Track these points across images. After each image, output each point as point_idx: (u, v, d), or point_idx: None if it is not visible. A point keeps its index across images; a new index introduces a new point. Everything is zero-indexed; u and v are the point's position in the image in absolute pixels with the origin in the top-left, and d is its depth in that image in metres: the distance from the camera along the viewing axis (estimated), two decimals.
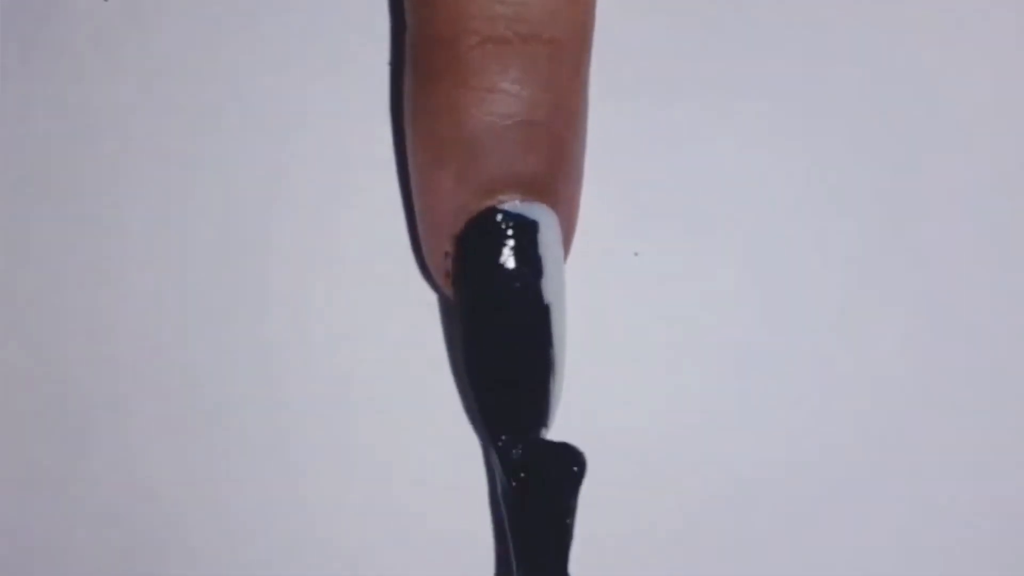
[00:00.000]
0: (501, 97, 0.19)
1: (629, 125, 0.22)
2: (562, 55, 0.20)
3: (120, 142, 0.22)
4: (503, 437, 0.20)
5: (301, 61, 0.22)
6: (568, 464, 0.20)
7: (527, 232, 0.20)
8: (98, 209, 0.22)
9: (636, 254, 0.22)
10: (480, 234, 0.20)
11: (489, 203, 0.20)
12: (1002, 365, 0.22)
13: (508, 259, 0.20)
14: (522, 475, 0.20)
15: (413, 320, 0.22)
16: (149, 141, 0.22)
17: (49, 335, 0.22)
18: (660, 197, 0.22)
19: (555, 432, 0.21)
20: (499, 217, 0.20)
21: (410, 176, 0.21)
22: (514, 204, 0.20)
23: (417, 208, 0.21)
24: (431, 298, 0.22)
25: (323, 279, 0.22)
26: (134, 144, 0.22)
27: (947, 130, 0.22)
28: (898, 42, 0.22)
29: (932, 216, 0.22)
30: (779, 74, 0.22)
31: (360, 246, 0.22)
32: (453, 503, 0.22)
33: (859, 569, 0.22)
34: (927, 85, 0.22)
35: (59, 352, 0.22)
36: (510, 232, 0.20)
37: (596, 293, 0.22)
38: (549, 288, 0.20)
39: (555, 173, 0.20)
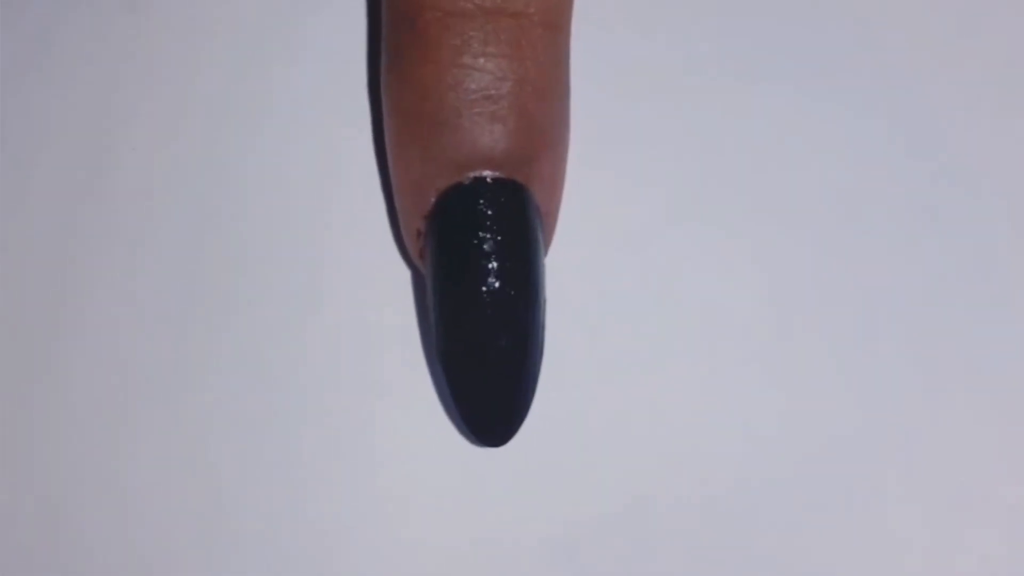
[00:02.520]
0: (464, 72, 0.19)
1: (632, 123, 0.22)
2: (531, 28, 0.19)
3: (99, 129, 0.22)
4: None
5: (283, 41, 0.22)
6: None
7: (496, 209, 0.19)
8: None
9: (638, 253, 0.22)
10: (447, 212, 0.19)
11: (456, 180, 0.19)
12: (1005, 368, 0.22)
13: (475, 238, 0.19)
14: None
15: (391, 299, 0.22)
16: (121, 115, 0.22)
17: (40, 337, 0.22)
18: (663, 195, 0.22)
19: (550, 433, 0.21)
20: (465, 194, 0.19)
21: (388, 156, 0.21)
22: (482, 181, 0.19)
23: (393, 187, 0.21)
24: (407, 276, 0.22)
25: (302, 259, 0.22)
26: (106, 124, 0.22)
27: (948, 140, 0.23)
28: (909, 41, 0.23)
29: (936, 220, 0.22)
30: (786, 71, 0.23)
31: (341, 227, 0.22)
32: (429, 485, 0.21)
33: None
34: (936, 87, 0.23)
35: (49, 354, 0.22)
36: (478, 209, 0.19)
37: (599, 292, 0.22)
38: (522, 268, 0.19)
39: (526, 148, 0.19)
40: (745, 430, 0.21)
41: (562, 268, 0.21)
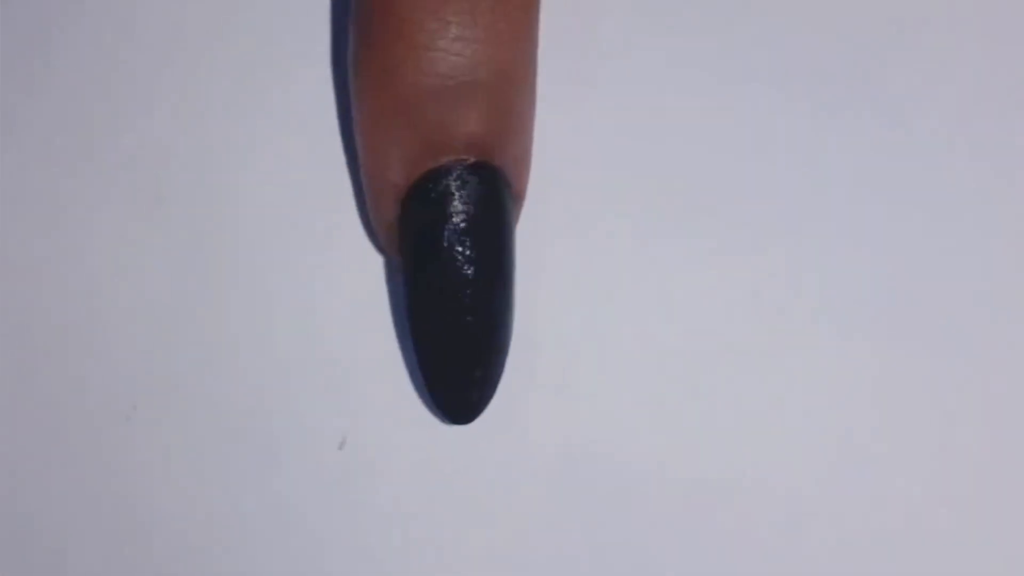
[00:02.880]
0: (440, 56, 0.19)
1: (607, 107, 0.22)
2: (509, 12, 0.19)
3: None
4: None
5: (249, 36, 0.22)
6: None
7: (472, 193, 0.19)
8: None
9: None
10: (422, 198, 0.19)
11: (431, 166, 0.19)
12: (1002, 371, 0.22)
13: (451, 223, 0.19)
14: None
15: (363, 287, 0.22)
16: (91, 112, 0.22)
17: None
18: (633, 175, 0.22)
19: (518, 410, 0.21)
20: (441, 180, 0.19)
21: (356, 143, 0.20)
22: (457, 166, 0.19)
23: (362, 175, 0.20)
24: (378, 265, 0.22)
25: (273, 251, 0.22)
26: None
27: (943, 140, 0.23)
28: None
29: (928, 218, 0.22)
30: (778, 66, 0.23)
31: (312, 217, 0.22)
32: (401, 465, 0.22)
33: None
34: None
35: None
36: (453, 195, 0.19)
37: (564, 270, 0.22)
38: (497, 252, 0.19)
39: (500, 133, 0.19)
40: (719, 411, 0.22)
41: (529, 246, 0.21)
